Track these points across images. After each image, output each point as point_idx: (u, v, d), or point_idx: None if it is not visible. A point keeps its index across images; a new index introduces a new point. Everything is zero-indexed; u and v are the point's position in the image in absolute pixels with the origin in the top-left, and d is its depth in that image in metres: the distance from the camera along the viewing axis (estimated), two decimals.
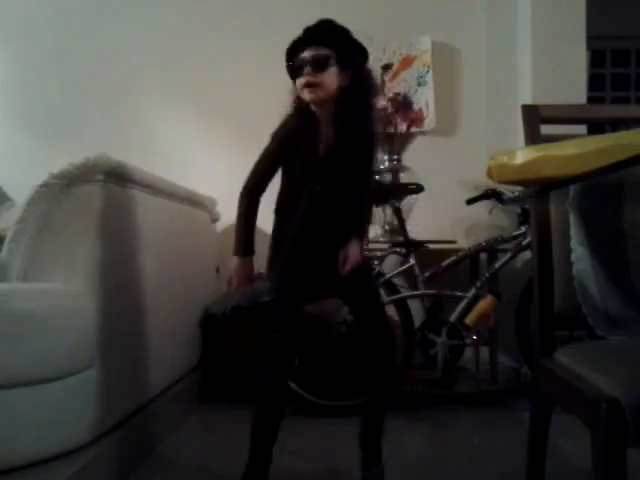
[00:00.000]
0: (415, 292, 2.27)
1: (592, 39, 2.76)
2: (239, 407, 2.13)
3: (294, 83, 1.42)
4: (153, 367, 1.77)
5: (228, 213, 2.66)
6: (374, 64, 2.71)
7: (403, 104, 2.73)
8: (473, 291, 2.26)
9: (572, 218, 1.20)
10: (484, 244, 2.33)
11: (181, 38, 2.89)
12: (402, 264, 2.33)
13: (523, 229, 2.29)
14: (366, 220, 1.51)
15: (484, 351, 2.44)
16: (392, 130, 2.61)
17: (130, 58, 2.91)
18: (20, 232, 1.38)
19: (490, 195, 2.34)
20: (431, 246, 2.37)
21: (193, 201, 2.22)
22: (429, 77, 2.81)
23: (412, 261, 2.28)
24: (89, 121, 2.89)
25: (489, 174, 1.17)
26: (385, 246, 2.38)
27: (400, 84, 2.81)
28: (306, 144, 1.36)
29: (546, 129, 1.27)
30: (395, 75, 2.83)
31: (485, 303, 2.18)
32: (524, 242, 2.26)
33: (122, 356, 1.54)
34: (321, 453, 1.76)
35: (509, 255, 2.28)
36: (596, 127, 2.57)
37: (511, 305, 2.31)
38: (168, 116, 2.91)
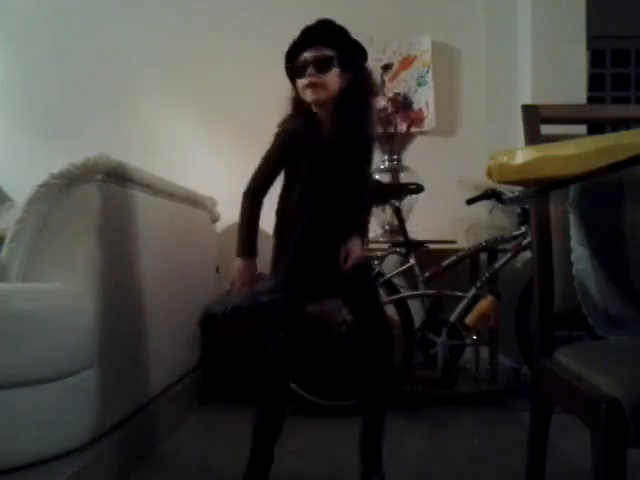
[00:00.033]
0: (415, 292, 2.27)
1: (592, 39, 2.76)
2: (239, 407, 2.14)
3: (292, 84, 1.42)
4: (153, 367, 1.77)
5: (228, 213, 2.67)
6: (374, 64, 2.72)
7: (403, 104, 2.73)
8: (473, 291, 2.26)
9: (572, 218, 1.20)
10: (484, 244, 2.33)
11: (181, 38, 2.89)
12: (402, 264, 2.33)
13: (523, 229, 2.29)
14: (366, 219, 1.51)
15: (484, 351, 2.44)
16: (392, 130, 2.61)
17: (130, 58, 2.92)
18: (20, 232, 1.38)
19: (490, 195, 2.34)
20: (431, 246, 2.37)
21: (193, 201, 2.22)
22: (429, 77, 2.81)
23: (412, 261, 2.28)
24: (89, 121, 2.89)
25: (489, 174, 1.17)
26: (385, 246, 2.38)
27: (400, 84, 2.81)
28: (309, 145, 1.36)
29: (546, 129, 1.27)
30: (395, 75, 2.83)
31: (485, 303, 2.18)
32: (524, 242, 2.26)
33: (122, 356, 1.54)
34: (321, 453, 1.76)
35: (509, 255, 2.28)
36: (596, 127, 2.57)
37: (511, 305, 2.31)
38: (168, 116, 2.91)
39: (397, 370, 2.16)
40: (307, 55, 1.34)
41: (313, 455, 1.73)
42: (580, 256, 1.18)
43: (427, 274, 2.27)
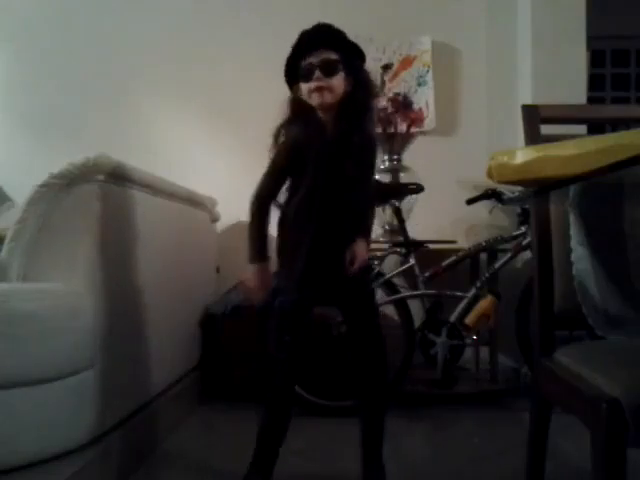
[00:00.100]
0: (415, 292, 2.27)
1: (592, 39, 2.76)
2: (239, 407, 2.14)
3: (290, 88, 1.41)
4: (153, 367, 1.77)
5: (228, 213, 2.68)
6: (374, 64, 2.73)
7: (403, 104, 2.73)
8: (473, 291, 2.26)
9: (572, 218, 1.20)
10: (484, 244, 2.33)
11: (181, 38, 2.90)
12: (402, 264, 2.33)
13: (523, 229, 2.29)
14: (370, 221, 1.52)
15: (484, 351, 2.44)
16: (392, 130, 2.61)
17: (130, 58, 2.92)
18: (20, 232, 1.38)
19: (490, 195, 2.34)
20: (431, 246, 2.37)
21: (193, 201, 2.22)
22: (429, 77, 2.81)
23: (412, 261, 2.28)
24: (89, 121, 2.89)
25: (489, 174, 1.17)
26: (385, 246, 2.38)
27: (400, 84, 2.82)
28: (312, 149, 1.36)
29: (546, 129, 1.27)
30: (395, 75, 2.83)
31: (485, 303, 2.19)
32: (524, 242, 2.26)
33: (122, 356, 1.54)
34: (321, 453, 1.76)
35: (509, 255, 2.28)
36: (596, 127, 2.57)
37: (511, 305, 2.31)
38: (168, 116, 2.91)
39: (397, 370, 2.17)
40: (313, 59, 1.33)
41: (313, 455, 1.74)
42: (580, 256, 1.18)
43: (427, 274, 2.27)
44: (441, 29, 2.85)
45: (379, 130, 2.50)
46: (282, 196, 1.42)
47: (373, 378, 1.47)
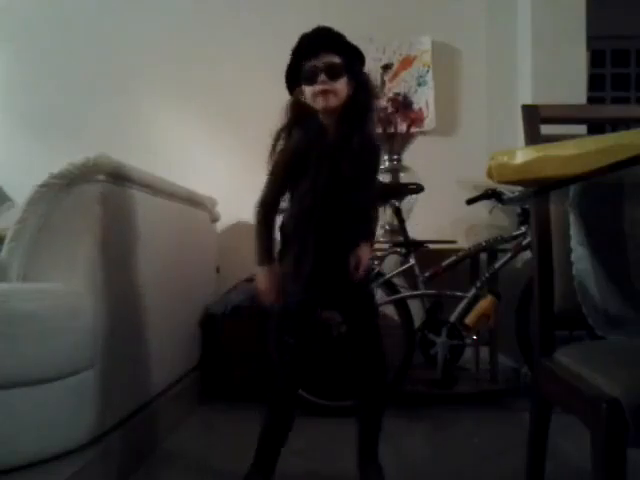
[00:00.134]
0: (415, 292, 2.27)
1: (592, 39, 2.76)
2: (239, 407, 2.14)
3: (291, 92, 1.41)
4: (153, 367, 1.77)
5: (228, 213, 2.68)
6: (374, 64, 2.73)
7: (403, 104, 2.73)
8: (473, 291, 2.26)
9: (572, 218, 1.20)
10: (484, 244, 2.33)
11: (181, 38, 2.90)
12: (402, 264, 2.33)
13: (523, 229, 2.29)
14: (373, 224, 1.51)
15: (484, 351, 2.44)
16: (392, 130, 2.61)
17: (130, 58, 2.92)
18: (20, 232, 1.38)
19: (490, 195, 2.34)
20: (431, 246, 2.37)
21: (193, 201, 2.22)
22: (429, 77, 2.81)
23: (412, 261, 2.28)
24: (89, 121, 2.89)
25: (489, 174, 1.17)
26: (385, 246, 2.38)
27: (400, 84, 2.81)
28: (314, 153, 1.36)
29: (546, 129, 1.27)
30: (395, 75, 2.83)
31: (485, 303, 2.18)
32: (524, 242, 2.26)
33: (122, 356, 1.54)
34: (321, 453, 1.76)
35: (509, 255, 2.28)
36: (596, 127, 2.57)
37: (511, 305, 2.31)
38: (168, 116, 2.91)
39: (397, 370, 2.17)
40: (317, 62, 1.33)
41: (313, 455, 1.74)
42: (580, 256, 1.18)
43: (427, 274, 2.27)
44: (441, 29, 2.85)
45: (379, 130, 2.50)
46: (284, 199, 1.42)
47: (371, 379, 1.47)
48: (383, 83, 2.78)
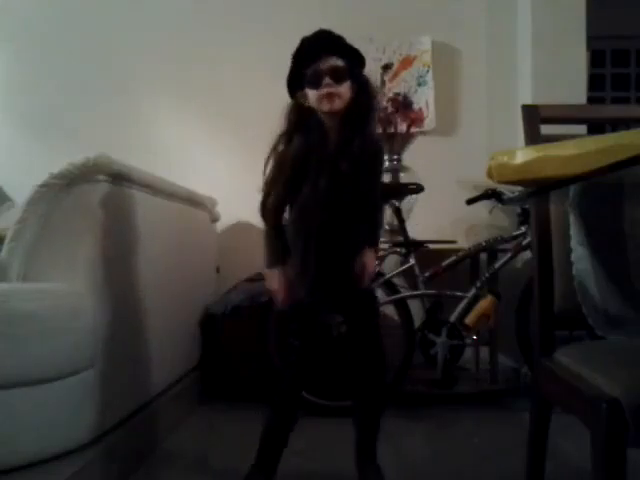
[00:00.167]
0: (415, 292, 2.27)
1: (592, 39, 2.76)
2: (239, 407, 2.14)
3: (292, 95, 1.40)
4: (153, 367, 1.77)
5: (228, 213, 2.68)
6: (374, 64, 2.73)
7: (403, 104, 2.73)
8: (473, 291, 2.26)
9: (572, 218, 1.20)
10: (484, 244, 2.33)
11: (181, 38, 2.89)
12: (402, 264, 2.33)
13: (523, 229, 2.29)
14: (378, 229, 1.51)
15: (484, 351, 2.44)
16: (392, 130, 2.61)
17: (130, 58, 2.92)
18: (20, 232, 1.38)
19: (490, 195, 2.34)
20: (431, 246, 2.37)
21: (193, 201, 2.22)
22: (429, 77, 2.81)
23: (412, 261, 2.28)
24: (89, 121, 2.89)
25: (489, 174, 1.17)
26: (385, 246, 2.38)
27: (400, 84, 2.81)
28: (314, 158, 1.36)
29: (546, 129, 1.26)
30: (395, 75, 2.83)
31: (485, 303, 2.19)
32: (524, 242, 2.26)
33: (122, 356, 1.54)
34: (321, 453, 1.76)
35: (509, 255, 2.28)
36: (596, 127, 2.57)
37: (511, 305, 2.31)
38: (168, 116, 2.91)
39: (397, 370, 2.17)
40: (322, 65, 1.33)
41: (313, 455, 1.74)
42: (580, 256, 1.18)
43: (427, 274, 2.27)
44: (441, 29, 2.85)
45: (379, 130, 2.50)
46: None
47: (370, 378, 1.47)
48: (383, 83, 2.78)
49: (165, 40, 2.90)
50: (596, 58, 3.98)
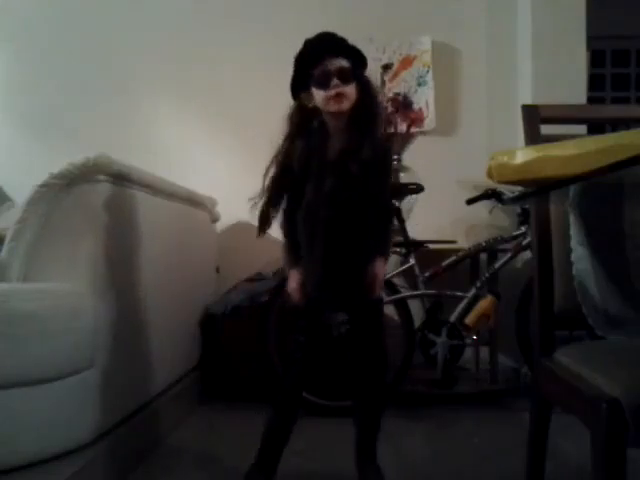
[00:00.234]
0: (415, 292, 2.27)
1: (592, 39, 2.76)
2: (239, 407, 2.15)
3: (295, 97, 1.40)
4: (153, 367, 1.77)
5: (228, 213, 2.68)
6: (374, 64, 2.72)
7: (403, 104, 2.73)
8: (473, 291, 2.26)
9: (572, 218, 1.20)
10: (484, 244, 2.33)
11: (181, 38, 2.89)
12: (402, 264, 2.33)
13: (523, 229, 2.29)
14: (388, 237, 1.51)
15: (484, 351, 2.44)
16: (392, 130, 2.60)
17: (130, 58, 2.92)
18: (20, 232, 1.38)
19: (490, 195, 2.34)
20: (431, 246, 2.38)
21: (193, 201, 2.22)
22: (429, 77, 2.81)
23: (412, 261, 2.28)
24: (89, 121, 2.89)
25: (489, 174, 1.17)
26: None
27: (400, 84, 2.81)
28: (317, 161, 1.36)
29: (546, 129, 1.26)
30: (395, 75, 2.83)
31: (485, 303, 2.19)
32: (524, 242, 2.26)
33: (122, 356, 1.54)
34: (321, 453, 1.76)
35: (509, 255, 2.28)
36: (596, 127, 2.57)
37: (511, 305, 2.31)
38: (168, 116, 2.91)
39: (397, 370, 2.16)
40: (330, 66, 1.33)
41: (313, 455, 1.74)
42: (580, 256, 1.18)
43: (427, 274, 2.27)
44: (441, 29, 2.85)
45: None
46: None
47: (370, 379, 1.47)
48: (383, 83, 2.78)
49: (165, 40, 2.90)
50: (596, 58, 3.98)
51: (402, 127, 2.67)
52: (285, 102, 1.43)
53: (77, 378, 1.34)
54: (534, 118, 1.27)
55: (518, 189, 2.22)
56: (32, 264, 1.38)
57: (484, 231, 2.70)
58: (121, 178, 1.53)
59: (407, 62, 2.83)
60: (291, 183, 1.40)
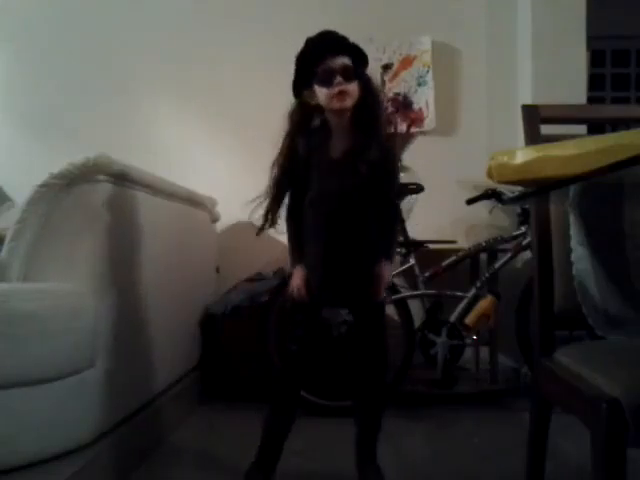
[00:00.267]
0: (415, 292, 2.27)
1: (592, 39, 2.76)
2: (239, 407, 2.15)
3: (297, 95, 1.41)
4: (153, 367, 1.77)
5: (228, 213, 2.68)
6: (374, 64, 2.72)
7: (403, 104, 2.73)
8: (473, 291, 2.26)
9: (572, 218, 1.20)
10: (484, 244, 2.33)
11: (181, 38, 2.89)
12: (402, 264, 2.33)
13: (523, 229, 2.29)
14: (394, 239, 1.52)
15: (484, 351, 2.44)
16: (392, 130, 2.60)
17: (130, 58, 2.92)
18: (20, 232, 1.38)
19: (490, 195, 2.34)
20: (431, 246, 2.37)
21: (193, 201, 2.22)
22: (429, 77, 2.81)
23: (412, 261, 2.28)
24: (89, 121, 2.89)
25: (489, 174, 1.17)
26: None
27: (400, 84, 2.81)
28: (317, 160, 1.37)
29: (546, 129, 1.26)
30: (395, 75, 2.83)
31: (485, 303, 2.19)
32: (524, 242, 2.26)
33: (122, 356, 1.54)
34: (321, 453, 1.76)
35: (509, 255, 2.28)
36: (596, 127, 2.57)
37: (511, 305, 2.31)
38: (168, 116, 2.91)
39: (397, 370, 2.16)
40: (333, 64, 1.34)
41: (313, 455, 1.74)
42: (580, 256, 1.18)
43: (427, 274, 2.27)
44: (441, 29, 2.85)
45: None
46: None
47: (371, 379, 1.47)
48: (383, 83, 2.78)
49: (165, 40, 2.90)
50: (596, 58, 3.98)
51: (402, 127, 2.67)
52: (285, 102, 1.43)
53: (77, 378, 1.34)
54: (534, 118, 1.27)
55: (518, 189, 2.22)
56: (32, 264, 1.38)
57: (484, 231, 2.70)
58: (121, 178, 1.53)
59: (407, 62, 2.83)
60: (292, 181, 1.40)
